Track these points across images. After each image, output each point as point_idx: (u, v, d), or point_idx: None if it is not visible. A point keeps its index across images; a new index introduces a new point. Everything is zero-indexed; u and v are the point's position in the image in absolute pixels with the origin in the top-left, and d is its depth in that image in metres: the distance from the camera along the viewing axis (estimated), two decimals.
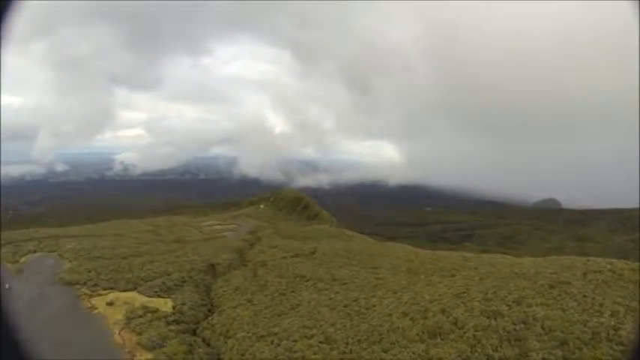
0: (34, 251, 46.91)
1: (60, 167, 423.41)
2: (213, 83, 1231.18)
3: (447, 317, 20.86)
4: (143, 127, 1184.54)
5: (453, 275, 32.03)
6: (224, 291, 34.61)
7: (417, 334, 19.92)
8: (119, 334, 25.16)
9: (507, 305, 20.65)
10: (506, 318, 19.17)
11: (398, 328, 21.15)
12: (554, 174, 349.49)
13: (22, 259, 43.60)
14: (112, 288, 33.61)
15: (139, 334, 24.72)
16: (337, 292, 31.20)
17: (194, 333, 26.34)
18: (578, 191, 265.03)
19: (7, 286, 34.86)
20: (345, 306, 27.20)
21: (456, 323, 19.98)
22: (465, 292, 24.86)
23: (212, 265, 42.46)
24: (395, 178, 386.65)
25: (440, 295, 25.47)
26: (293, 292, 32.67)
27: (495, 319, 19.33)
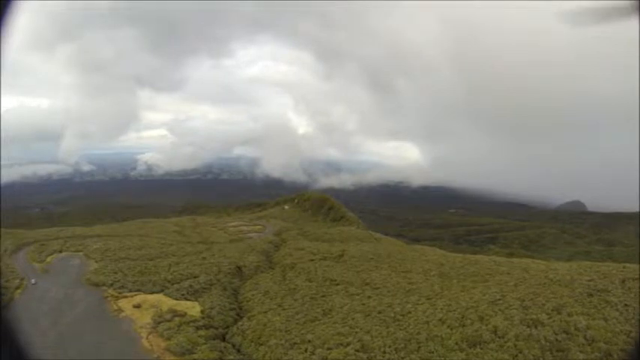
0: (60, 250, 46.99)
1: (86, 167, 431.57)
2: (236, 84, 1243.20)
3: (486, 325, 20.02)
4: (166, 127, 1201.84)
5: (487, 281, 31.16)
6: (253, 295, 33.77)
7: (456, 343, 19.11)
8: (147, 338, 24.50)
9: (547, 314, 19.84)
10: (547, 327, 18.39)
11: (436, 336, 20.29)
12: (579, 176, 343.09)
13: (48, 259, 43.60)
14: (138, 290, 33.10)
15: (168, 339, 24.05)
16: (370, 297, 30.27)
17: (223, 339, 25.49)
18: (603, 194, 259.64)
19: (33, 281, 35.52)
20: (379, 312, 26.26)
21: (495, 332, 19.16)
22: (501, 299, 23.96)
23: (239, 268, 41.68)
24: (418, 180, 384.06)
25: (475, 302, 24.52)
26: (324, 296, 31.73)
27: (536, 327, 18.56)
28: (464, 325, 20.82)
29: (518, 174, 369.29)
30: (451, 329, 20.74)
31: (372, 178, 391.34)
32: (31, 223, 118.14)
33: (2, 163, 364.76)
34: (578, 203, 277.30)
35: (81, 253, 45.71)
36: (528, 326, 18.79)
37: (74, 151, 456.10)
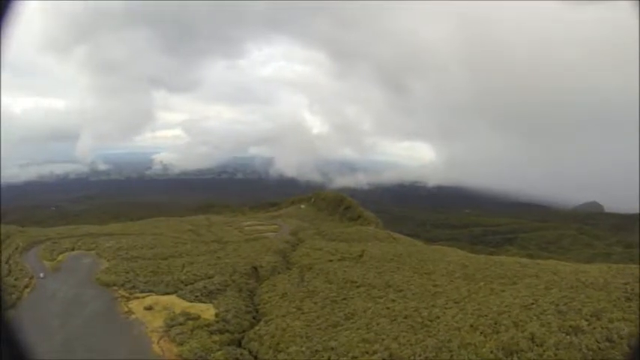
0: (72, 249, 46.24)
1: (101, 166, 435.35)
2: (250, 84, 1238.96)
3: (522, 332, 18.58)
4: (181, 127, 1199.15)
5: (515, 283, 29.53)
6: (270, 297, 32.44)
7: (492, 352, 17.72)
8: (158, 343, 23.23)
9: (586, 320, 18.40)
10: (587, 335, 17.00)
11: (469, 343, 18.85)
12: (596, 176, 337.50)
13: (60, 257, 42.84)
14: (150, 291, 31.97)
15: (180, 344, 22.76)
16: (394, 301, 28.71)
17: (239, 344, 24.14)
18: (620, 194, 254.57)
19: (41, 275, 35.49)
20: (405, 317, 24.73)
21: (533, 339, 17.73)
22: (534, 303, 22.49)
23: (255, 268, 40.42)
24: (433, 179, 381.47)
25: (507, 306, 23.02)
26: (345, 299, 30.22)
27: (576, 335, 17.15)
28: (498, 332, 19.46)
29: (534, 174, 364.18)
30: (485, 336, 19.36)
31: (387, 177, 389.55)
32: (46, 222, 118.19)
33: (20, 162, 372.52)
34: (595, 204, 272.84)
35: (93, 252, 44.94)
36: (567, 333, 17.40)
37: (90, 151, 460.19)
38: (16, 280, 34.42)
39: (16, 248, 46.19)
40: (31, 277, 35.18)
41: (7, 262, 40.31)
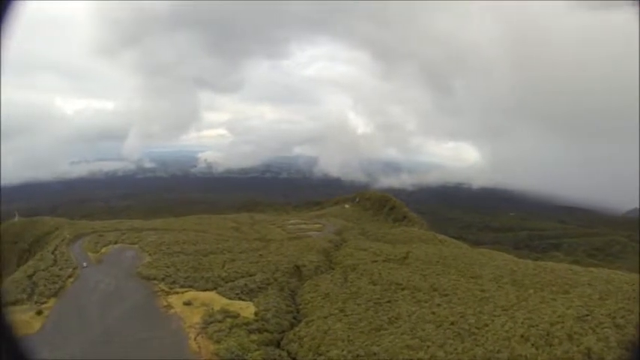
0: (116, 242, 47.00)
1: (148, 164, 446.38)
2: (294, 84, 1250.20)
3: (577, 346, 17.46)
4: (226, 127, 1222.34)
5: (567, 292, 28.01)
6: (312, 297, 31.62)
7: None
8: (195, 339, 22.73)
9: None
10: None
11: (520, 355, 17.91)
12: None
13: (103, 250, 43.68)
14: (190, 286, 31.76)
15: (217, 342, 22.16)
16: (439, 305, 27.44)
17: (278, 345, 23.37)
18: None
19: (84, 264, 36.89)
20: (451, 323, 23.45)
21: (589, 354, 16.66)
22: (588, 315, 21.15)
23: (297, 267, 39.77)
24: (478, 181, 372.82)
25: (560, 317, 21.63)
26: (389, 302, 29.07)
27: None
28: (551, 345, 18.31)
29: (582, 177, 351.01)
30: (536, 348, 18.27)
31: (431, 178, 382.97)
32: (94, 215, 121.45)
33: (72, 160, 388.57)
34: None
35: (136, 246, 45.54)
36: (627, 349, 16.02)
37: (137, 150, 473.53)
38: (60, 270, 35.18)
39: (63, 240, 47.64)
40: (75, 268, 35.91)
41: (53, 253, 41.64)
